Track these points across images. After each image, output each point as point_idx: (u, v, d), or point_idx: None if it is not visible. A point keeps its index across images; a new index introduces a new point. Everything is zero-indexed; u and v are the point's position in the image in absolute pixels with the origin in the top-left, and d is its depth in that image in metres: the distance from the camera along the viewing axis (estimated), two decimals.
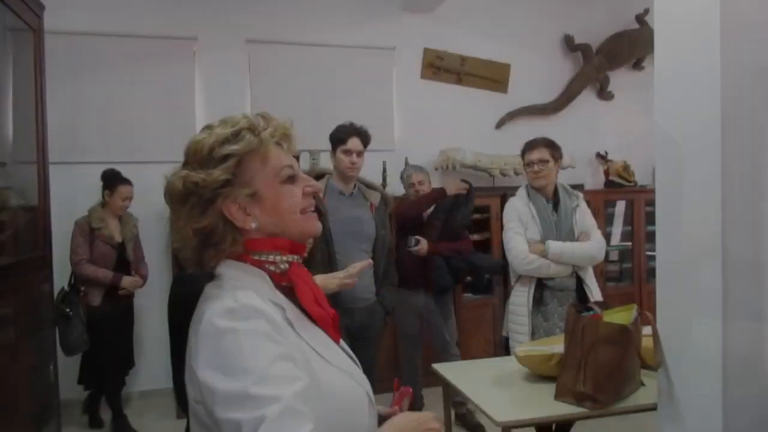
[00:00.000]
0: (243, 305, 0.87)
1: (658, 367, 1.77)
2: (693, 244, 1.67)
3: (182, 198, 0.95)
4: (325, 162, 3.83)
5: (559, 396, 1.92)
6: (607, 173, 4.93)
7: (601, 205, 4.60)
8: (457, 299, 4.00)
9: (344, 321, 2.59)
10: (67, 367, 3.41)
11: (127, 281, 3.54)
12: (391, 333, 3.69)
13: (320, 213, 2.79)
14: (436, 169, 4.49)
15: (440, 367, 2.37)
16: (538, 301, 2.69)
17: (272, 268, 0.98)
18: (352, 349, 2.86)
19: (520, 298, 2.72)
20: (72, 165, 3.86)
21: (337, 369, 0.96)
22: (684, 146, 1.70)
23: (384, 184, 4.31)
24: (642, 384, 2.02)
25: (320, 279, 1.61)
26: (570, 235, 2.74)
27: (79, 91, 3.94)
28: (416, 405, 3.58)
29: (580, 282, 2.72)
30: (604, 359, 1.83)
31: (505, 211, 2.87)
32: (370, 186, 2.91)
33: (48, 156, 2.82)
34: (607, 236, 4.79)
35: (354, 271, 1.88)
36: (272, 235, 0.99)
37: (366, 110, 4.41)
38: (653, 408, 1.84)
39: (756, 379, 1.62)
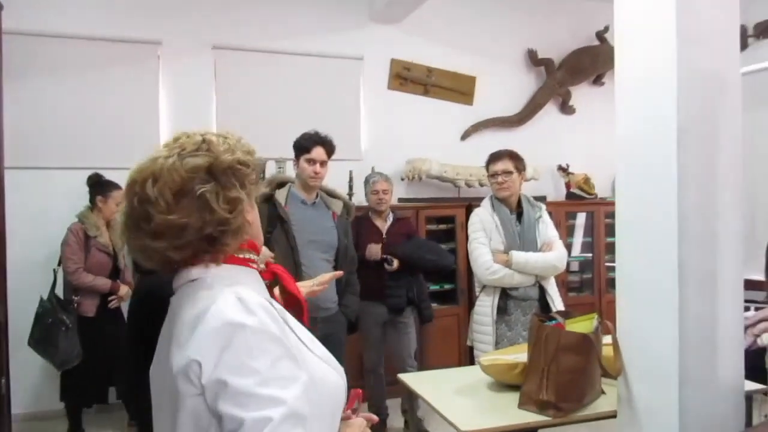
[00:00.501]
0: (249, 302, 0.90)
1: (618, 375, 1.82)
2: (650, 255, 1.72)
3: (214, 173, 0.96)
4: (291, 170, 3.81)
5: (522, 404, 1.95)
6: (568, 185, 5.05)
7: (562, 216, 4.70)
8: None
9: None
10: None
11: (123, 290, 3.45)
12: (356, 342, 3.69)
13: (282, 220, 2.79)
14: (403, 179, 4.52)
15: (405, 377, 2.37)
16: (502, 311, 2.74)
17: (254, 266, 1.03)
18: None
19: (485, 308, 2.75)
20: (29, 170, 3.75)
21: (320, 359, 1.01)
22: (642, 159, 1.76)
23: (350, 193, 4.31)
24: (603, 392, 2.07)
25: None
26: (533, 246, 2.79)
27: (39, 94, 3.82)
28: (381, 415, 3.57)
29: (543, 292, 2.78)
30: (566, 367, 1.87)
31: (470, 221, 2.92)
32: (332, 195, 2.92)
33: (3, 160, 2.73)
34: (569, 247, 4.90)
35: (324, 280, 1.87)
36: (252, 238, 1.05)
37: (333, 119, 4.41)
38: (613, 416, 1.88)
39: (710, 385, 1.68)
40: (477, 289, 2.88)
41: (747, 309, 3.74)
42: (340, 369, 1.06)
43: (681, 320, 1.63)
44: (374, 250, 3.39)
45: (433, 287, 4.27)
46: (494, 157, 2.91)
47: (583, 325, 1.99)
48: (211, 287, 0.95)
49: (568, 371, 1.87)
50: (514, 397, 2.00)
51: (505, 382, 2.13)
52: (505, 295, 2.75)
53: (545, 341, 1.92)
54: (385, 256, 3.41)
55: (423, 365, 3.79)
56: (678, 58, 1.62)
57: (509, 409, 1.96)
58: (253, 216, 1.04)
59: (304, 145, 2.77)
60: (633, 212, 1.81)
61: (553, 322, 2.04)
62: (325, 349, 1.06)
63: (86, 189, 3.54)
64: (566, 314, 2.13)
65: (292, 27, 4.44)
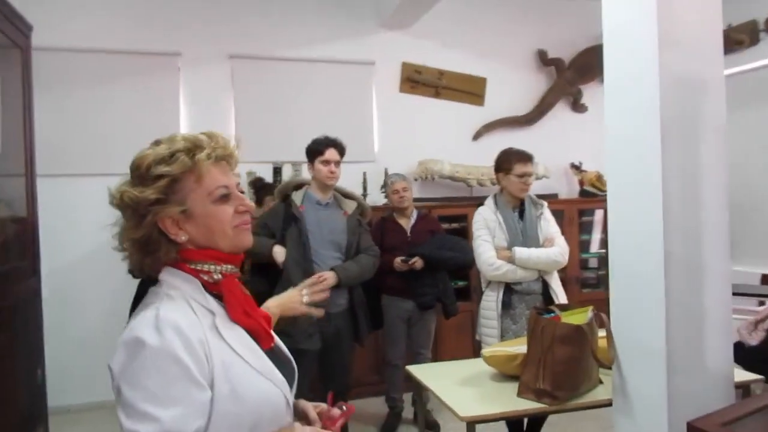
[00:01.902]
0: (163, 320, 0.97)
1: (611, 365, 1.90)
2: (637, 246, 1.81)
3: (121, 209, 1.06)
4: (307, 173, 3.95)
5: (520, 393, 2.05)
6: (581, 183, 5.10)
7: (575, 214, 4.76)
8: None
9: (319, 324, 2.73)
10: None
11: None
12: (374, 336, 3.81)
13: (296, 219, 2.92)
14: (416, 179, 4.63)
15: (413, 368, 2.48)
16: (507, 305, 2.83)
17: (206, 277, 1.08)
18: (326, 353, 2.94)
19: (490, 303, 2.85)
20: (59, 177, 3.96)
21: (257, 373, 1.05)
22: (629, 156, 1.85)
23: (364, 194, 4.44)
24: (600, 382, 2.16)
25: (281, 301, 1.63)
26: (535, 242, 2.88)
27: (67, 106, 4.03)
28: (396, 408, 3.69)
29: (546, 286, 2.86)
30: (560, 357, 1.96)
31: (474, 219, 3.01)
32: (347, 195, 3.05)
33: (36, 169, 2.91)
34: (584, 244, 4.96)
35: (310, 282, 1.80)
36: (204, 248, 1.08)
37: (346, 123, 4.55)
38: (609, 404, 1.96)
39: (697, 372, 1.76)
40: (483, 285, 2.98)
41: (762, 304, 3.77)
42: (281, 381, 1.10)
43: (668, 310, 1.72)
44: (398, 265, 3.46)
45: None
46: (524, 158, 2.93)
47: (578, 317, 2.08)
48: (156, 295, 1.05)
49: (563, 361, 1.96)
50: (514, 387, 2.10)
51: (506, 372, 2.22)
52: (509, 290, 2.84)
53: (541, 333, 2.01)
54: (404, 258, 3.46)
55: (437, 359, 3.89)
56: (660, 61, 1.70)
57: (509, 398, 2.06)
58: (190, 228, 1.07)
59: (317, 147, 2.90)
60: (622, 207, 1.90)
61: (551, 315, 2.13)
62: (265, 361, 1.10)
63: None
64: (564, 307, 2.22)
65: (305, 35, 4.58)
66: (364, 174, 4.45)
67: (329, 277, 2.70)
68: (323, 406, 1.24)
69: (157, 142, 1.10)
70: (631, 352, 1.85)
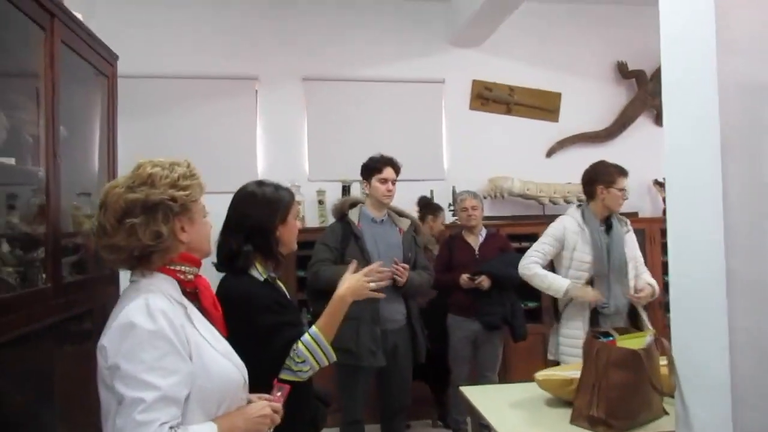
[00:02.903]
0: (153, 307, 1.18)
1: (672, 393, 1.77)
2: (698, 265, 1.68)
3: (153, 207, 1.26)
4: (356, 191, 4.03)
5: (574, 420, 1.94)
6: (665, 201, 4.80)
7: (657, 233, 4.48)
8: None
9: (383, 342, 2.78)
10: None
11: None
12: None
13: (356, 237, 2.99)
14: (485, 197, 4.55)
15: (466, 389, 2.43)
16: (593, 325, 2.76)
17: (181, 276, 1.32)
18: (385, 370, 3.01)
19: (576, 322, 2.80)
20: None
21: (221, 355, 1.29)
22: (688, 170, 1.73)
23: None
24: (666, 413, 2.00)
25: (351, 285, 1.80)
26: (621, 259, 2.84)
27: (150, 130, 4.30)
28: (459, 430, 3.61)
29: (633, 309, 2.83)
30: (615, 383, 1.85)
31: (552, 225, 3.00)
32: (400, 214, 3.08)
33: None
34: (666, 266, 4.63)
35: (371, 269, 1.92)
36: (191, 251, 1.34)
37: (416, 141, 4.59)
38: None
39: (765, 402, 1.59)
40: (561, 305, 2.91)
41: None
42: (240, 364, 1.34)
43: (731, 334, 1.57)
44: (464, 282, 3.44)
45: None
46: (625, 172, 2.96)
47: (636, 341, 1.95)
48: (138, 290, 1.24)
49: (618, 387, 1.84)
50: (568, 413, 1.99)
51: (560, 397, 2.12)
52: (595, 310, 2.81)
53: (596, 357, 1.91)
54: (471, 276, 3.41)
55: (504, 382, 3.77)
56: (718, 67, 1.59)
57: (561, 424, 1.96)
58: (191, 233, 1.32)
59: (375, 166, 2.95)
60: (681, 225, 1.77)
61: (608, 338, 2.02)
62: (226, 345, 1.34)
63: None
64: (624, 331, 2.10)
65: (376, 55, 4.68)
66: (431, 192, 4.44)
67: (406, 268, 2.83)
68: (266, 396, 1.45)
69: (173, 165, 1.36)
70: (694, 380, 1.71)
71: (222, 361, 1.28)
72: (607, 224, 2.90)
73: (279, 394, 1.46)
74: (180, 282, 1.31)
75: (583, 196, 4.51)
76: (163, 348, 1.15)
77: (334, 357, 1.68)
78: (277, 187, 1.84)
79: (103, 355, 1.19)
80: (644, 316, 2.86)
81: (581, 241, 2.84)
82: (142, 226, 1.24)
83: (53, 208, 1.99)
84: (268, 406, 1.36)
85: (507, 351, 4.01)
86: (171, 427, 1.12)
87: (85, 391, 2.35)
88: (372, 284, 1.81)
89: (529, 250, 3.01)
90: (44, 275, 1.96)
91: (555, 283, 2.86)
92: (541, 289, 2.96)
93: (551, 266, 2.98)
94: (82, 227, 2.60)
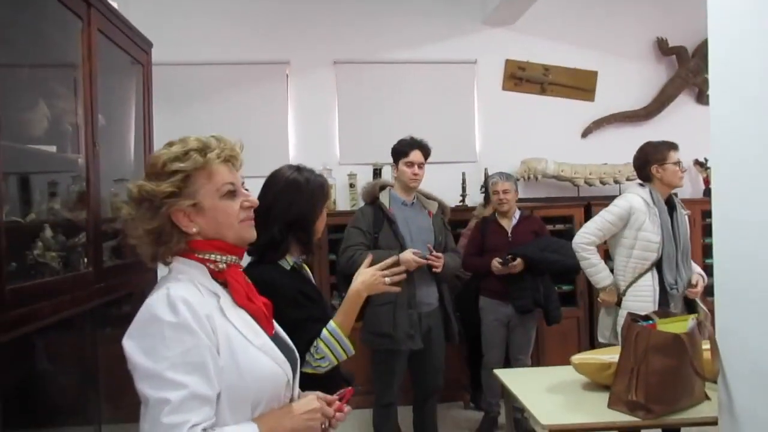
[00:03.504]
0: (174, 297, 1.06)
1: (715, 378, 1.72)
2: (746, 252, 1.62)
3: (138, 202, 1.14)
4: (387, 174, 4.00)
5: (611, 404, 1.92)
6: (706, 181, 4.66)
7: (698, 215, 4.35)
8: None
9: (418, 326, 2.81)
10: None
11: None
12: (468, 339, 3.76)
13: (390, 221, 3.00)
14: (518, 179, 4.48)
15: (500, 372, 2.42)
16: (663, 305, 2.75)
17: (211, 266, 1.18)
18: (418, 353, 3.00)
19: (645, 304, 2.71)
20: None
21: (256, 349, 1.14)
22: (738, 153, 1.66)
23: (463, 194, 4.39)
24: (707, 398, 1.96)
25: (365, 279, 1.69)
26: (685, 241, 2.83)
27: (185, 117, 4.32)
28: (492, 413, 3.60)
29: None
30: (655, 368, 1.81)
31: (616, 202, 2.91)
32: (428, 196, 3.06)
33: None
34: (707, 249, 4.51)
35: (388, 263, 1.79)
36: (212, 239, 1.17)
37: (447, 123, 4.54)
38: (714, 422, 1.78)
39: None
40: (622, 285, 2.85)
41: None
42: (283, 360, 1.18)
43: None
44: (496, 268, 3.39)
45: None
46: (675, 146, 2.88)
47: (678, 326, 1.91)
48: (167, 279, 1.14)
49: (658, 372, 1.81)
50: (605, 398, 1.97)
51: (597, 381, 2.10)
52: (664, 290, 2.78)
53: (635, 341, 1.87)
54: (503, 259, 3.35)
55: (538, 366, 3.75)
56: None
57: (598, 408, 1.93)
58: (200, 222, 1.15)
59: (402, 149, 2.93)
60: (728, 207, 1.71)
61: (648, 322, 1.98)
62: (267, 341, 1.18)
63: None
64: (665, 314, 2.05)
65: (407, 37, 4.62)
66: (463, 174, 4.39)
67: (440, 257, 2.84)
68: (329, 397, 1.31)
69: (170, 144, 1.19)
70: (739, 367, 1.66)
71: (258, 355, 1.13)
72: (670, 205, 2.86)
73: (336, 396, 1.32)
74: (210, 271, 1.18)
75: (619, 177, 4.48)
76: (188, 341, 1.03)
77: (352, 351, 1.65)
78: (316, 175, 1.80)
79: (126, 353, 1.07)
80: (698, 299, 2.85)
81: (649, 221, 2.76)
82: (134, 225, 1.15)
83: (93, 194, 2.03)
84: (317, 398, 1.23)
85: (541, 335, 3.98)
86: (204, 429, 1.01)
87: (128, 375, 2.42)
88: (387, 279, 1.69)
89: (586, 225, 2.96)
90: (86, 260, 2.01)
91: (599, 275, 2.89)
92: (583, 269, 2.96)
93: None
94: (120, 213, 2.67)
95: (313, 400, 1.21)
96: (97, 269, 2.02)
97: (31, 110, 1.89)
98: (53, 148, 1.99)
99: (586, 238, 2.89)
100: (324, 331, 1.62)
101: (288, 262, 1.73)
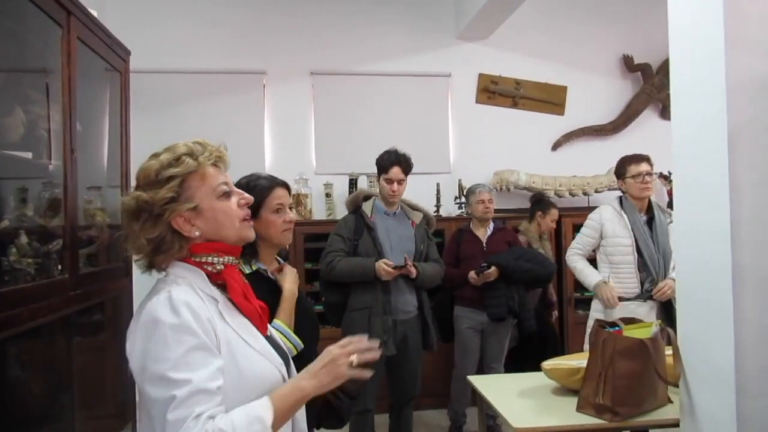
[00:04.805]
0: (176, 300, 1.07)
1: (676, 382, 1.80)
2: (705, 260, 1.70)
3: (136, 214, 1.14)
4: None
5: (580, 408, 1.98)
6: (670, 193, 4.82)
7: None
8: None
9: (393, 332, 2.84)
10: None
11: None
12: (444, 347, 3.79)
13: (369, 229, 3.04)
14: (490, 190, 4.57)
15: (474, 379, 2.47)
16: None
17: (209, 268, 1.18)
18: (395, 360, 3.01)
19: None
20: None
21: (255, 352, 1.16)
22: (695, 164, 1.75)
23: (438, 205, 4.46)
24: (670, 401, 2.04)
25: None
26: (667, 250, 2.92)
27: (162, 124, 4.32)
28: (458, 422, 3.65)
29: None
30: (621, 372, 1.88)
31: (589, 216, 3.15)
32: (414, 207, 3.11)
33: (130, 182, 3.19)
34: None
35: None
36: (213, 241, 1.18)
37: (422, 135, 4.61)
38: (676, 424, 1.86)
39: None
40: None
41: None
42: (279, 362, 1.21)
43: (736, 326, 1.60)
44: (473, 278, 3.44)
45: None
46: (637, 159, 3.05)
47: (643, 331, 1.98)
48: (165, 282, 1.14)
49: (624, 376, 1.88)
50: (574, 402, 2.03)
51: (567, 386, 2.16)
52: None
53: (602, 346, 1.94)
54: (478, 270, 3.41)
55: None
56: (726, 62, 1.61)
57: (568, 412, 1.99)
58: (200, 224, 1.15)
59: (383, 164, 2.98)
60: (688, 218, 1.80)
61: (615, 328, 2.05)
62: (265, 344, 1.20)
63: None
64: (630, 321, 2.13)
65: (382, 50, 4.70)
66: (438, 185, 4.46)
67: (414, 267, 2.88)
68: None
69: (156, 154, 1.19)
70: (699, 370, 1.74)
71: (258, 359, 1.15)
72: (650, 216, 3.00)
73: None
74: (208, 275, 1.18)
75: (588, 189, 4.62)
76: (189, 342, 1.04)
77: (301, 345, 1.68)
78: (264, 179, 1.79)
79: (130, 358, 1.09)
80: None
81: (619, 227, 2.96)
82: (134, 237, 1.14)
83: (70, 201, 2.03)
84: (333, 347, 1.18)
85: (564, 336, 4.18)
86: (209, 417, 1.01)
87: (101, 381, 2.41)
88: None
89: (572, 242, 3.23)
90: (60, 266, 2.00)
91: (587, 278, 3.08)
92: (576, 278, 3.21)
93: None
94: (95, 219, 2.65)
95: (330, 349, 1.18)
96: (73, 276, 2.02)
97: (8, 116, 1.88)
98: (29, 155, 1.98)
99: (571, 251, 3.20)
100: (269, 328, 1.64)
101: (251, 267, 1.75)
